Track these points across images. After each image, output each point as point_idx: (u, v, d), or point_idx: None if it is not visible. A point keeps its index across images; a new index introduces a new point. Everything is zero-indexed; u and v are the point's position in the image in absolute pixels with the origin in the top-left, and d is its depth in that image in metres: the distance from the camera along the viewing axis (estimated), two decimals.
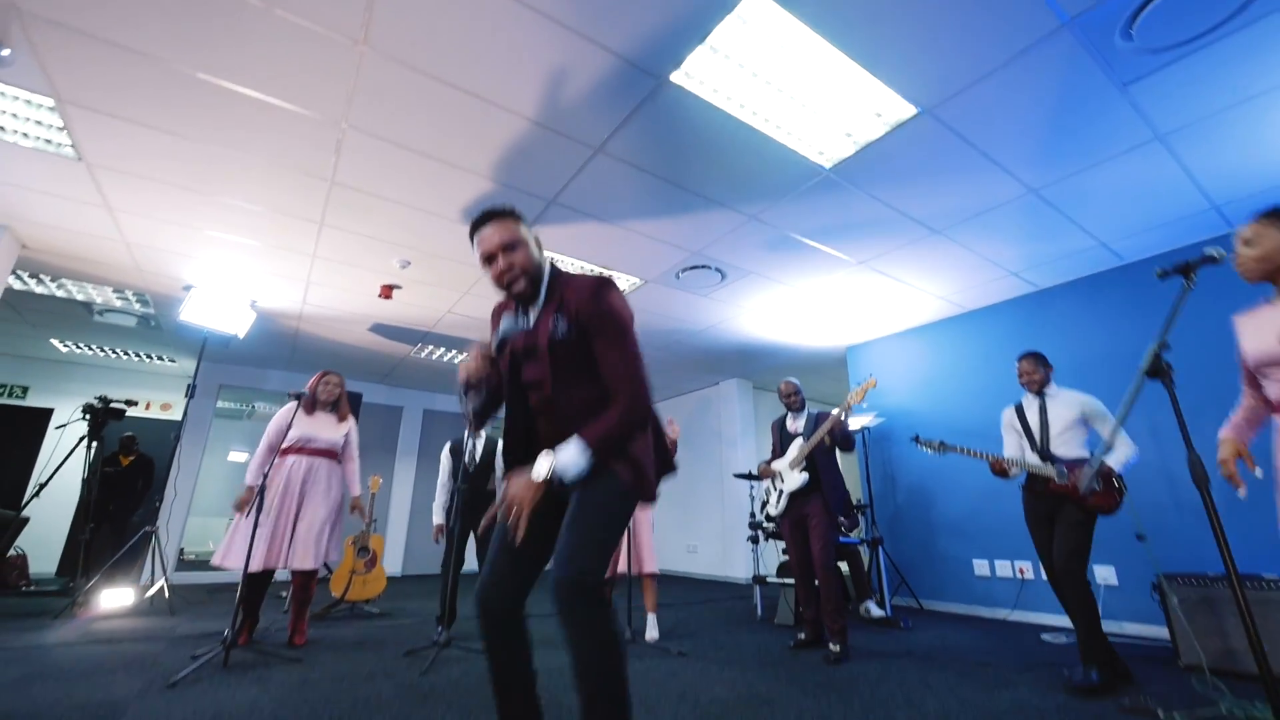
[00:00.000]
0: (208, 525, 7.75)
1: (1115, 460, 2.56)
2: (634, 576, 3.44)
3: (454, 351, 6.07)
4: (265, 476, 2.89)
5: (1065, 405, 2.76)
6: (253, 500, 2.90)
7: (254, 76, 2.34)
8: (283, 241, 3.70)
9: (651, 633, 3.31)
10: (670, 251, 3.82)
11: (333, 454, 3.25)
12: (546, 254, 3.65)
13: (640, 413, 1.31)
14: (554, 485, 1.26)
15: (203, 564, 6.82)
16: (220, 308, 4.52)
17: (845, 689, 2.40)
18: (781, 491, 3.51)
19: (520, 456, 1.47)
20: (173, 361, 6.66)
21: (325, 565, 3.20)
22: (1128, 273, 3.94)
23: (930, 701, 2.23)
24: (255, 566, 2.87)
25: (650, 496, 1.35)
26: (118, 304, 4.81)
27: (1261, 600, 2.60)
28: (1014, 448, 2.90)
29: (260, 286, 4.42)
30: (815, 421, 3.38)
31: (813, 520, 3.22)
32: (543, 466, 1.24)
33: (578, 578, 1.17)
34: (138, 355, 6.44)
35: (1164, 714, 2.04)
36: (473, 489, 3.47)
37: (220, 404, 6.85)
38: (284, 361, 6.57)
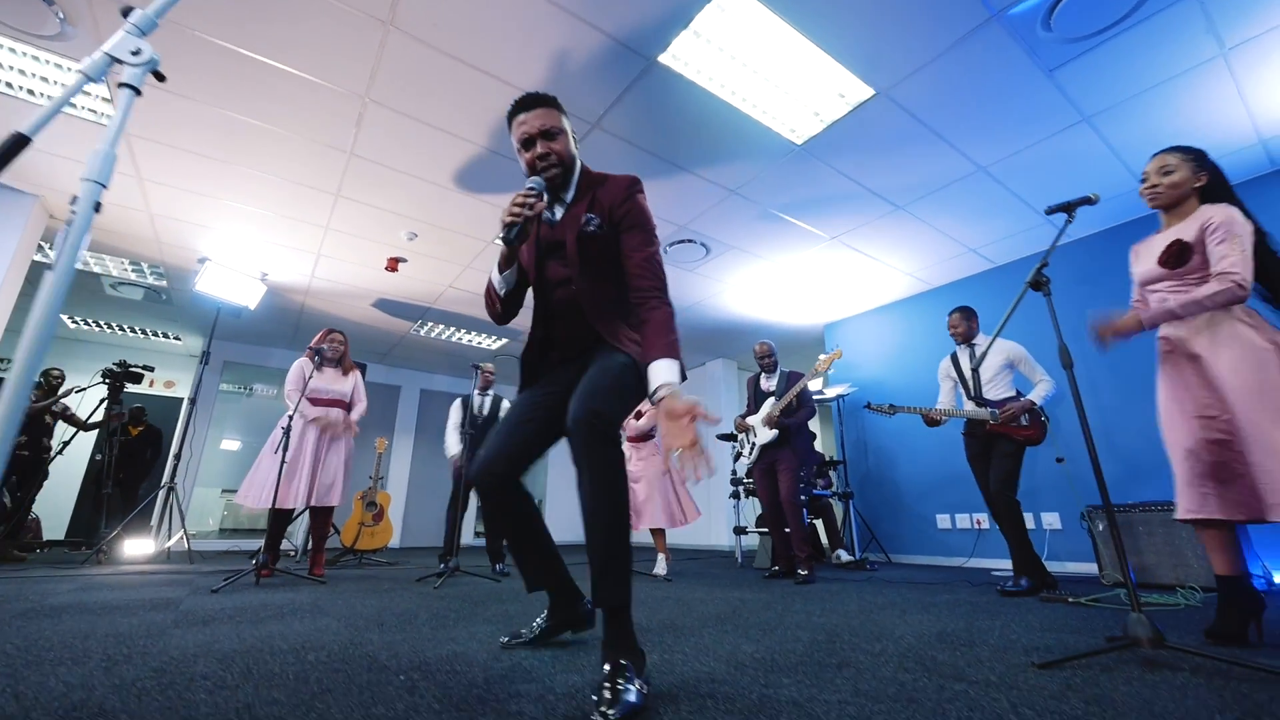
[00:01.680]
0: (206, 501, 7.95)
1: (1037, 395, 2.94)
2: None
3: (452, 329, 6.35)
4: (286, 429, 3.20)
5: (993, 352, 3.13)
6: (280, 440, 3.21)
7: (284, 50, 2.63)
8: (298, 213, 3.99)
9: (660, 569, 3.64)
10: (659, 225, 4.15)
11: (343, 404, 3.56)
12: None
13: (672, 311, 1.36)
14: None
15: (204, 537, 7.04)
16: (233, 280, 4.78)
17: (808, 595, 2.75)
18: (754, 445, 3.87)
19: (538, 358, 1.58)
20: (178, 340, 6.87)
21: (333, 525, 3.53)
22: (1072, 250, 4.34)
23: (879, 598, 2.59)
24: (270, 502, 3.17)
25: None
26: (133, 276, 5.04)
27: (1146, 520, 3.02)
28: (948, 394, 3.27)
29: (271, 259, 4.68)
30: (787, 381, 3.73)
31: (781, 465, 3.59)
32: (670, 387, 1.21)
33: (596, 414, 1.22)
34: (144, 332, 6.65)
35: (1071, 599, 2.41)
36: (480, 439, 3.77)
37: (221, 386, 7.08)
38: (287, 339, 6.81)
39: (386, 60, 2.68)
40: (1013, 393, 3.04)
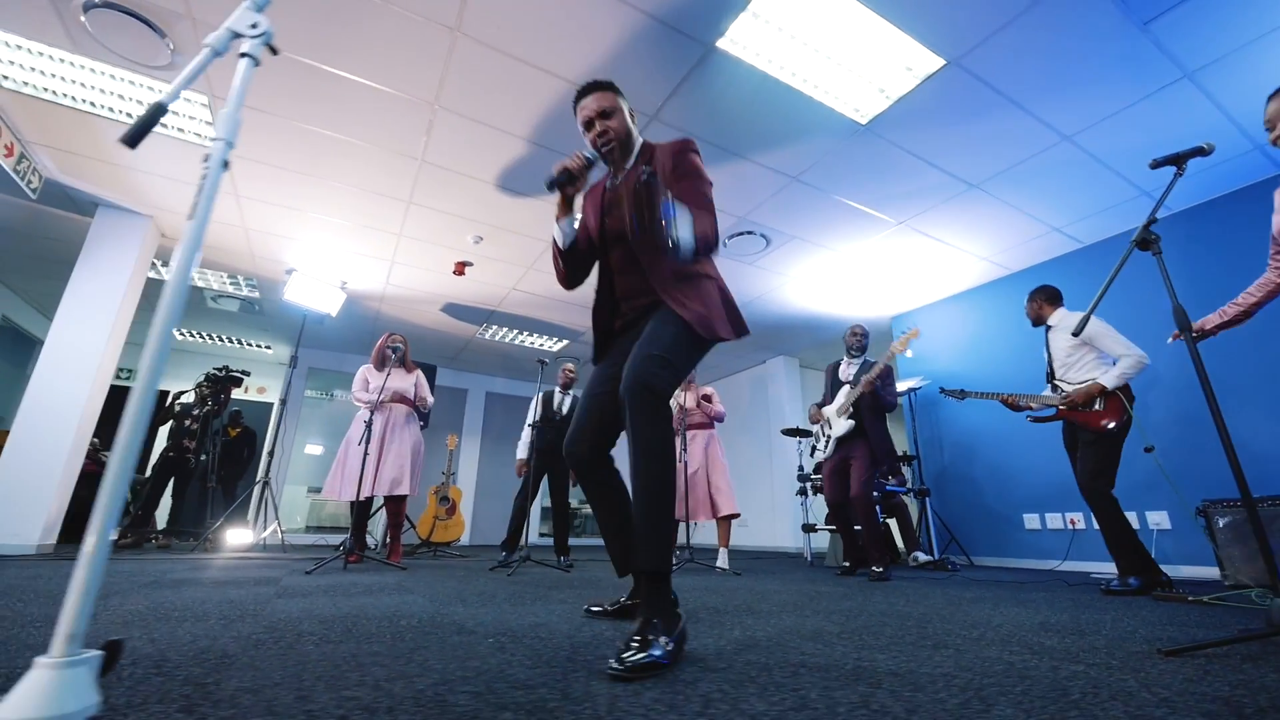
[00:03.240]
0: (294, 499, 8.50)
1: (1108, 378, 2.66)
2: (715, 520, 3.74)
3: (515, 332, 6.53)
4: (368, 422, 3.39)
5: (1064, 330, 2.89)
6: (363, 434, 3.42)
7: (357, 62, 2.80)
8: (374, 221, 4.22)
9: (722, 563, 3.60)
10: (721, 220, 4.11)
11: (406, 401, 3.73)
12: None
13: (713, 235, 1.40)
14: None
15: (292, 531, 7.49)
16: (316, 288, 5.12)
17: (887, 589, 2.63)
18: (829, 437, 3.76)
19: (607, 317, 1.67)
20: (268, 348, 7.42)
21: (408, 519, 3.69)
22: (1173, 224, 3.97)
23: (966, 593, 2.44)
24: (350, 495, 3.36)
25: (713, 334, 1.43)
26: (230, 289, 5.49)
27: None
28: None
29: (350, 267, 4.98)
30: (866, 370, 3.60)
31: (855, 461, 3.45)
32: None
33: (646, 380, 1.28)
34: (238, 341, 7.22)
35: (1192, 598, 2.18)
36: (553, 437, 3.85)
37: (306, 392, 7.58)
38: (364, 346, 7.21)
39: (454, 66, 2.80)
40: (1094, 372, 2.80)
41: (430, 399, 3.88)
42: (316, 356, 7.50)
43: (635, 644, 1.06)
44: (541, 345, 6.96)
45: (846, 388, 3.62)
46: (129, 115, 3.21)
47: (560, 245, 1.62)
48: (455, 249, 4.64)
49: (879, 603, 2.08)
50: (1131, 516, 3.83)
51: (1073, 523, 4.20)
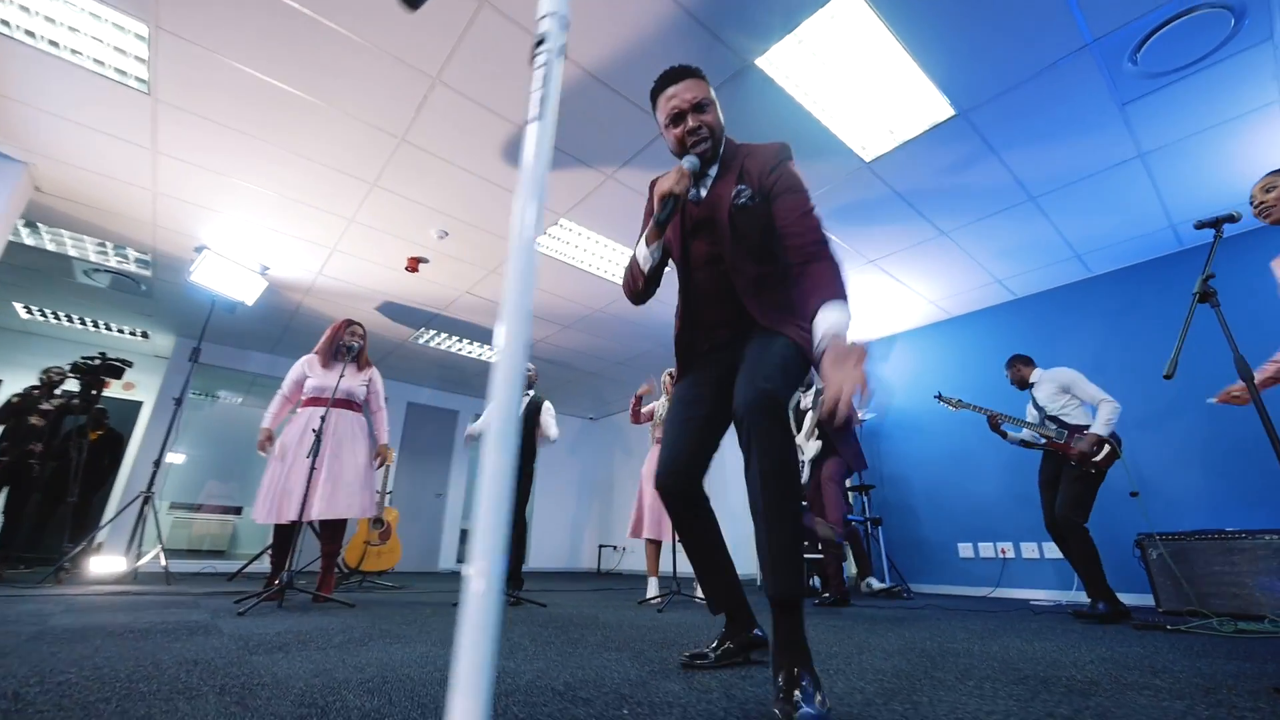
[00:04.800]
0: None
1: (1099, 426, 2.96)
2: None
3: (455, 339, 6.05)
4: (318, 430, 2.90)
5: (1045, 384, 3.19)
6: (271, 445, 2.93)
7: (360, 19, 2.45)
8: (324, 201, 3.71)
9: (699, 591, 3.44)
10: None
11: (354, 405, 3.22)
12: (589, 232, 3.86)
13: (840, 265, 1.26)
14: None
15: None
16: (231, 272, 4.40)
17: (888, 620, 2.62)
18: (804, 462, 3.78)
19: (691, 340, 1.51)
20: (145, 337, 6.28)
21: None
22: (1094, 285, 4.50)
23: (957, 627, 2.48)
24: (277, 518, 2.84)
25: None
26: (114, 263, 4.58)
27: (1203, 549, 3.04)
28: (1029, 435, 3.27)
29: (277, 251, 4.34)
30: (820, 397, 3.69)
31: (826, 474, 3.53)
32: (837, 330, 1.10)
33: (765, 394, 1.17)
34: (108, 327, 6.06)
35: (1170, 628, 2.37)
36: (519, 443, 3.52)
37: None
38: (271, 342, 6.34)
39: (470, 38, 2.53)
40: (1087, 420, 3.06)
41: (385, 412, 3.40)
42: (209, 351, 6.46)
43: (788, 704, 0.95)
44: (483, 355, 6.51)
45: (810, 413, 3.69)
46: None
47: (643, 268, 1.46)
48: (413, 243, 4.20)
49: (889, 639, 2.03)
50: (1054, 547, 4.23)
51: (1003, 551, 4.53)
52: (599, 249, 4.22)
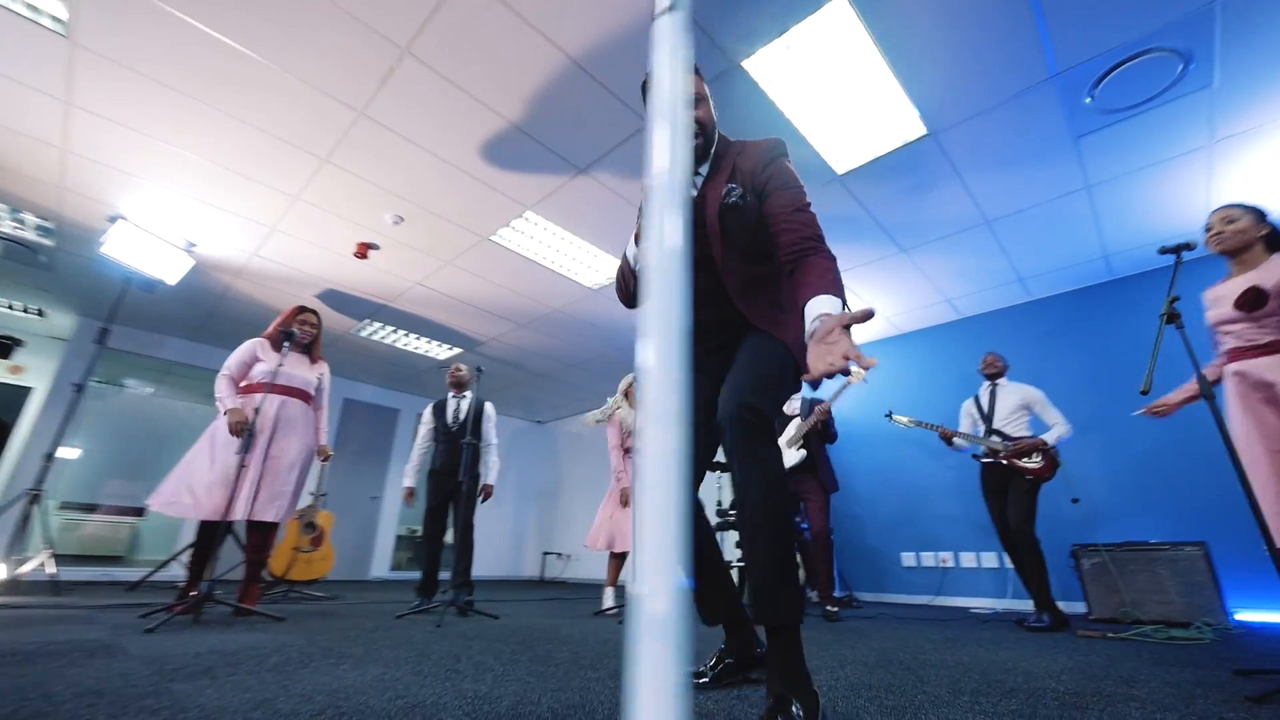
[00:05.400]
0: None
1: (1050, 436, 3.10)
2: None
3: (402, 333, 5.72)
4: (249, 425, 2.61)
5: (1011, 393, 3.32)
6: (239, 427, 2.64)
7: None
8: (267, 175, 3.40)
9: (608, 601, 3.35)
10: None
11: (305, 396, 2.97)
12: (556, 228, 3.73)
13: (835, 261, 1.20)
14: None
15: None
16: (151, 247, 3.97)
17: (851, 631, 2.62)
18: None
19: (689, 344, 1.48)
20: (41, 315, 5.58)
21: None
22: (1032, 308, 4.76)
23: (933, 634, 2.51)
24: (211, 514, 2.53)
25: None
26: (7, 227, 4.03)
27: (1131, 559, 3.24)
28: (968, 430, 3.40)
29: (208, 227, 3.95)
30: (809, 406, 3.69)
31: (811, 498, 3.50)
32: (829, 317, 0.98)
33: (748, 409, 1.12)
34: None
35: (1111, 635, 2.48)
36: (452, 453, 3.29)
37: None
38: (192, 328, 5.78)
39: (447, 9, 2.36)
40: (1029, 433, 3.19)
41: (326, 411, 3.13)
42: (118, 335, 5.82)
43: None
44: (429, 351, 6.19)
45: (796, 420, 3.68)
46: None
47: (634, 270, 1.43)
48: (364, 227, 3.92)
49: (871, 650, 2.02)
50: (994, 557, 4.42)
51: (944, 561, 4.69)
52: (565, 246, 4.09)
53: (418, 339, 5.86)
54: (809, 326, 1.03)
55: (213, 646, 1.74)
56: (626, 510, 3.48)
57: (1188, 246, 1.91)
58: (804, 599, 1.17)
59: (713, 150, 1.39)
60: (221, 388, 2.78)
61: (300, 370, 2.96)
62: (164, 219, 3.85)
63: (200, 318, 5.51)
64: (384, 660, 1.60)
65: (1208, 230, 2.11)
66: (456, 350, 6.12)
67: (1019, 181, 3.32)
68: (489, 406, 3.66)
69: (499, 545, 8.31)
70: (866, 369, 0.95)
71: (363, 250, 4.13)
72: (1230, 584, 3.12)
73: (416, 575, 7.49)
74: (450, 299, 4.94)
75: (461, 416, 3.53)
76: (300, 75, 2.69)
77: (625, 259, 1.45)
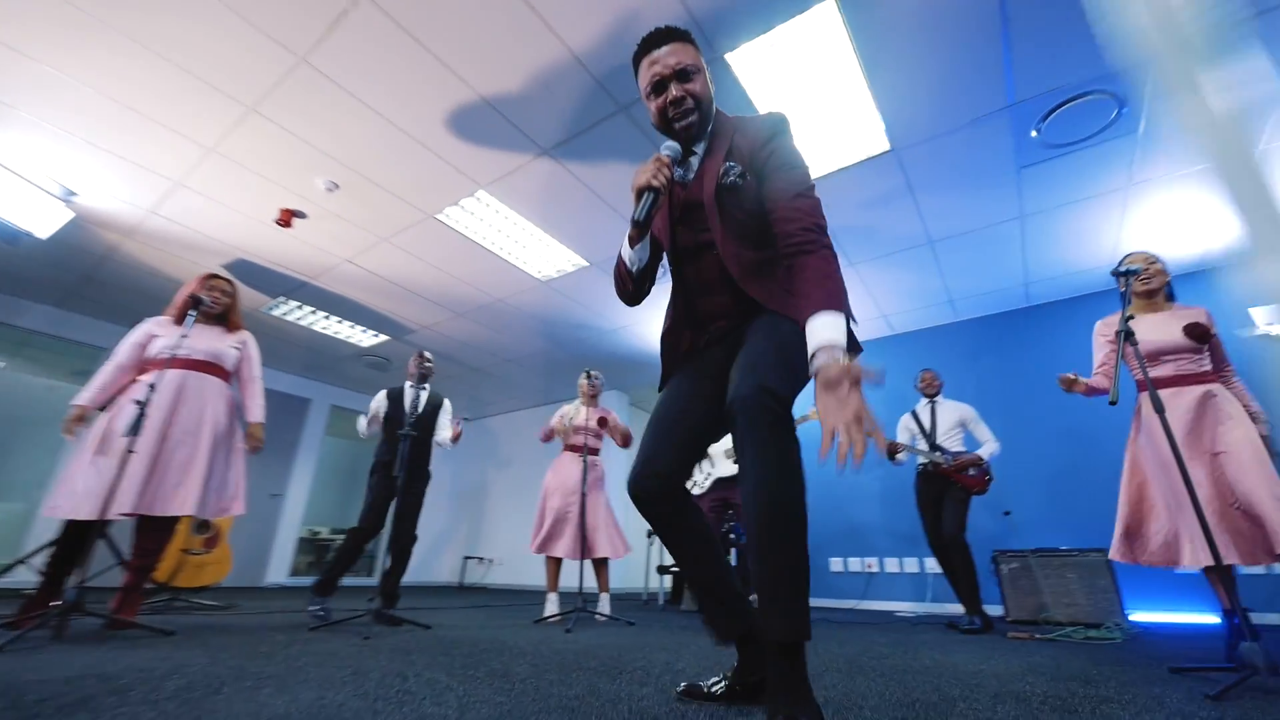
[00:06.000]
0: None
1: (985, 452, 3.28)
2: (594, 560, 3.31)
3: (323, 315, 5.22)
4: (141, 403, 2.21)
5: (949, 410, 3.47)
6: (82, 427, 2.27)
7: None
8: (177, 119, 2.95)
9: (604, 609, 3.18)
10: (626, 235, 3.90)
11: (217, 369, 2.57)
12: (510, 211, 3.52)
13: (836, 257, 1.11)
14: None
15: None
16: (17, 191, 3.35)
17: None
18: (709, 475, 3.72)
19: (681, 341, 1.36)
20: None
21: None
22: (958, 328, 5.08)
23: (880, 639, 2.54)
24: (88, 512, 2.13)
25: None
26: None
27: (1044, 564, 3.49)
28: (906, 444, 3.53)
29: (94, 175, 3.38)
30: None
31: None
32: (831, 352, 0.95)
33: (764, 390, 1.00)
34: None
35: (1038, 636, 2.62)
36: (400, 444, 2.97)
37: None
38: (62, 292, 4.96)
39: None
40: (964, 448, 3.35)
41: (259, 385, 2.74)
42: None
43: None
44: (351, 337, 5.70)
45: None
46: None
47: (630, 270, 1.32)
48: (291, 191, 3.51)
49: (822, 657, 2.00)
50: (915, 562, 4.64)
51: (869, 566, 4.87)
52: (517, 232, 3.87)
53: (339, 322, 5.37)
54: (811, 358, 0.98)
55: (88, 668, 1.42)
56: (567, 514, 3.30)
57: (1134, 273, 2.05)
58: (808, 613, 1.05)
59: (710, 128, 1.29)
60: (97, 378, 2.37)
61: (209, 341, 2.56)
62: (39, 159, 3.26)
63: (74, 282, 4.74)
64: (314, 681, 1.36)
65: (1130, 271, 2.21)
66: (383, 337, 5.67)
67: (964, 205, 3.51)
68: (448, 402, 3.38)
69: (415, 548, 7.78)
70: (871, 436, 0.88)
71: (286, 218, 3.70)
72: (1126, 588, 3.42)
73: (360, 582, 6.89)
74: (382, 280, 4.56)
75: (421, 408, 3.21)
76: (237, 7, 2.34)
77: (620, 260, 1.34)
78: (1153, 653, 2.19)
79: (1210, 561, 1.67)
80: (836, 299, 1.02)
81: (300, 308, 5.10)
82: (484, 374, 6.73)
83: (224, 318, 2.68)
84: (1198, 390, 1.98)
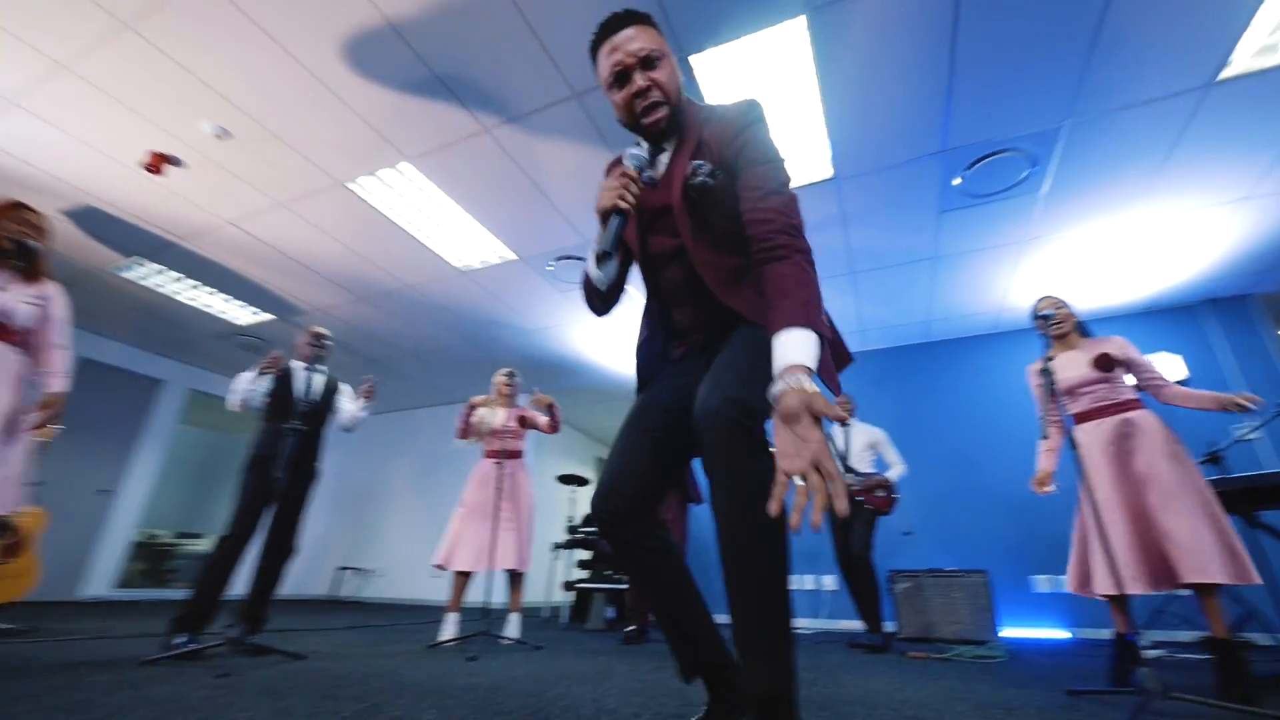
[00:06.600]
0: None
1: (893, 474, 3.44)
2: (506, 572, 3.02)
3: (193, 285, 4.48)
4: None
5: (861, 433, 3.61)
6: None
7: None
8: (22, 24, 2.36)
9: (510, 630, 2.90)
10: (563, 233, 3.72)
11: (7, 330, 2.03)
12: (435, 189, 3.21)
13: (812, 264, 1.00)
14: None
15: None
16: None
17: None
18: None
19: (658, 351, 1.24)
20: None
21: None
22: (863, 358, 5.38)
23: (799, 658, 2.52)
24: None
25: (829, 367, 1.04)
26: None
27: (933, 585, 3.73)
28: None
29: None
30: None
31: (668, 511, 3.41)
32: (797, 374, 0.82)
33: (735, 404, 0.89)
34: None
35: (935, 656, 2.74)
36: (287, 434, 2.53)
37: None
38: None
39: None
40: (874, 470, 3.49)
41: (61, 351, 2.19)
42: None
43: None
44: (226, 313, 4.96)
45: None
46: None
47: (600, 289, 1.22)
48: (168, 133, 2.96)
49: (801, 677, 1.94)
50: (810, 579, 4.79)
51: None
52: (441, 214, 3.54)
53: (212, 294, 4.65)
54: (775, 379, 0.84)
55: None
56: (484, 523, 3.01)
57: (1048, 316, 2.21)
58: (793, 661, 0.91)
59: (679, 121, 1.14)
60: None
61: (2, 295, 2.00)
62: None
63: None
64: None
65: (1044, 316, 2.38)
66: (266, 316, 4.99)
67: (889, 240, 3.70)
68: (345, 386, 2.98)
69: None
70: (832, 484, 0.74)
71: (157, 163, 3.11)
72: (999, 606, 3.73)
73: (151, 595, 5.90)
74: (273, 250, 3.99)
75: (315, 395, 2.77)
76: None
77: (587, 276, 1.23)
78: (1037, 672, 2.35)
79: (1115, 591, 1.79)
80: (807, 313, 0.90)
81: (162, 272, 4.34)
82: (382, 366, 6.16)
83: (22, 263, 2.10)
84: (1116, 419, 2.13)
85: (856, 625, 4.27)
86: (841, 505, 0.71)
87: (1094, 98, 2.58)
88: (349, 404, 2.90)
